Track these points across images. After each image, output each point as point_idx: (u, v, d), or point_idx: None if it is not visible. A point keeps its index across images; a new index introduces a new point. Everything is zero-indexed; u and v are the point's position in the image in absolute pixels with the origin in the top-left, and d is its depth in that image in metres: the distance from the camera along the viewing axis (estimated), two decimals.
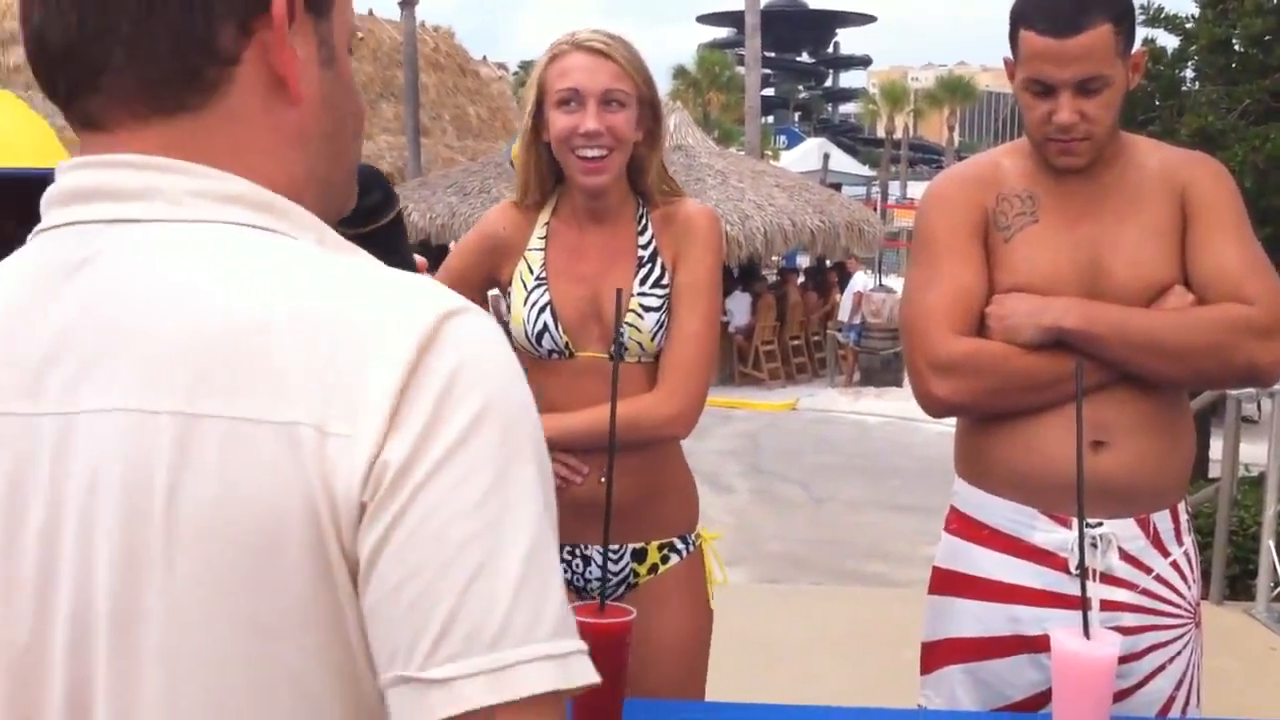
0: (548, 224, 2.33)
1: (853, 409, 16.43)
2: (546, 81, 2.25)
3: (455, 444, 0.79)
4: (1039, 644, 2.05)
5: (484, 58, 37.12)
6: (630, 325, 2.22)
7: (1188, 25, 8.19)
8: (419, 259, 2.40)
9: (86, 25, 0.86)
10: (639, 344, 2.24)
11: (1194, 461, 2.28)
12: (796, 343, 19.16)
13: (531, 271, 2.29)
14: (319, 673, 0.80)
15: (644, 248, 2.28)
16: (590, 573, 2.29)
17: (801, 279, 20.84)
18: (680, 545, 2.35)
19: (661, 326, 2.25)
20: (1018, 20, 2.09)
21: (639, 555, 2.31)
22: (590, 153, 2.20)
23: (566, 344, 2.25)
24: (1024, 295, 2.10)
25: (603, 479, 2.08)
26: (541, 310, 2.25)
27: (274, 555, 0.78)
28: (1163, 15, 8.18)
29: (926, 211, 2.25)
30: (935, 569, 2.28)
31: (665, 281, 2.26)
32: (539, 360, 2.27)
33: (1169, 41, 8.34)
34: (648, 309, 2.24)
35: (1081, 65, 2.02)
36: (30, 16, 0.89)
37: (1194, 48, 8.13)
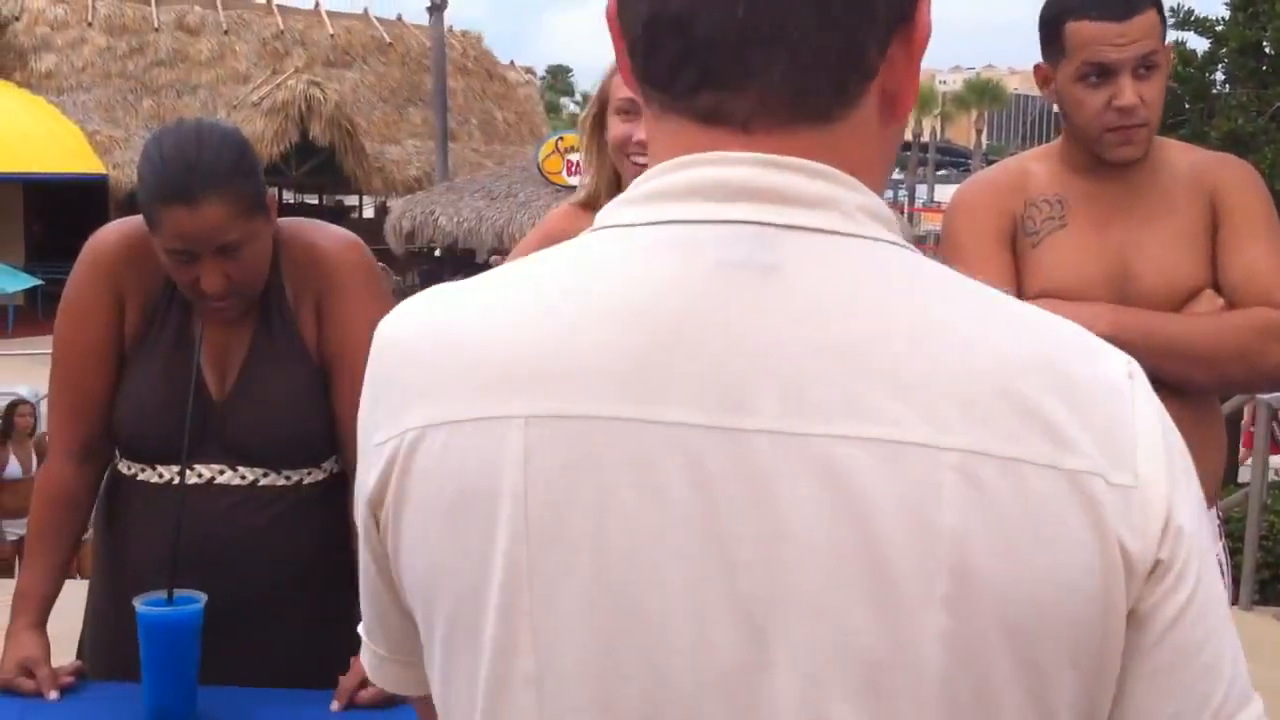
0: None
1: None
2: (610, 90, 2.31)
3: (1198, 503, 0.81)
4: None
5: (511, 62, 37.18)
6: None
7: (1218, 28, 8.16)
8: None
9: (755, 24, 0.78)
10: None
11: (1225, 466, 2.27)
12: None
13: None
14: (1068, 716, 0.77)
15: None
16: None
17: None
18: None
19: None
20: (1063, 15, 2.08)
21: None
22: (643, 160, 2.21)
23: None
24: (1052, 301, 2.09)
25: None
26: None
27: (1058, 606, 0.74)
28: (1193, 18, 8.15)
29: (954, 219, 2.25)
30: None
31: None
32: None
33: (1199, 44, 8.32)
34: None
35: (1141, 44, 2.04)
36: None
37: (1224, 50, 8.10)
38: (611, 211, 0.85)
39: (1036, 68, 2.15)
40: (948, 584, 0.73)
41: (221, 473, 2.00)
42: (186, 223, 1.84)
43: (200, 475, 1.99)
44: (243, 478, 2.01)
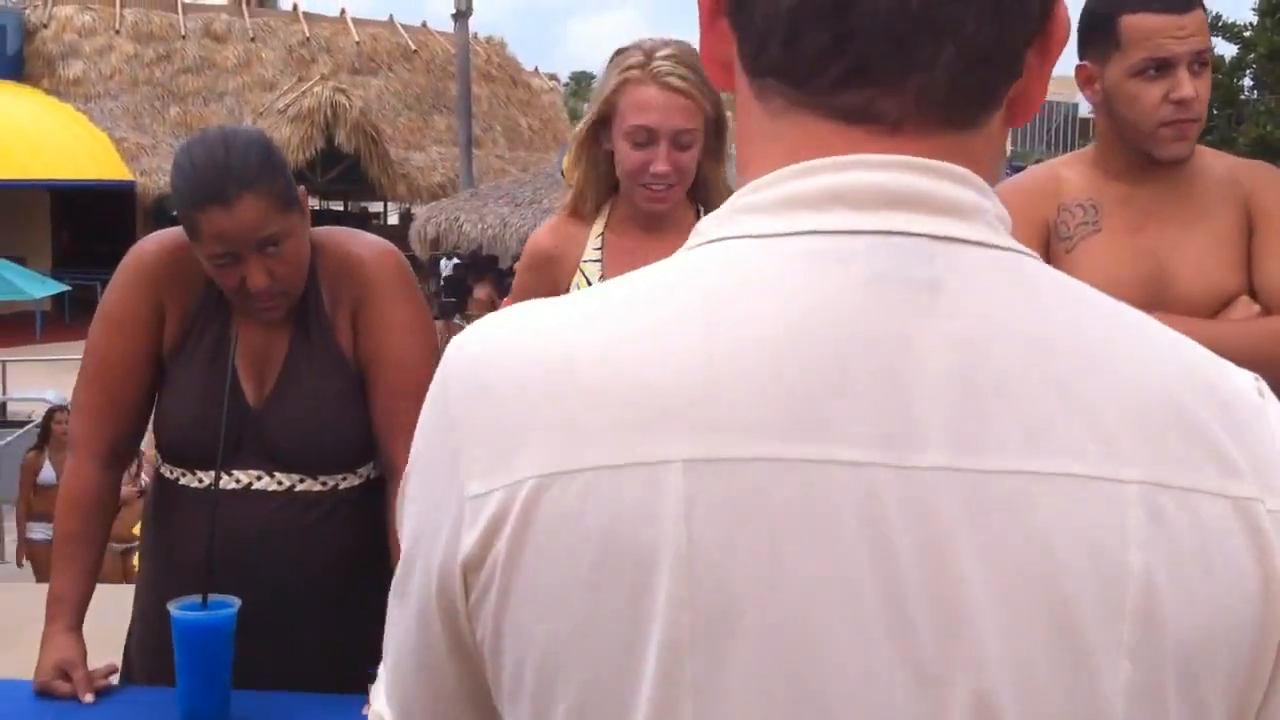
0: (602, 234, 2.32)
1: None
2: (618, 107, 2.22)
3: None
4: None
5: (535, 69, 37.24)
6: None
7: (1246, 33, 8.13)
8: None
9: (929, 12, 0.71)
10: None
11: None
12: None
13: (589, 283, 2.28)
14: None
15: None
16: None
17: None
18: None
19: None
20: (1118, 9, 2.08)
21: None
22: (657, 187, 2.21)
23: None
24: None
25: None
26: None
27: (1221, 640, 0.70)
28: (1221, 23, 8.12)
29: None
30: None
31: None
32: None
33: (1227, 50, 8.29)
34: None
35: (1197, 39, 2.05)
36: None
37: (1252, 56, 8.07)
38: (729, 221, 0.75)
39: (1079, 68, 2.15)
40: (1135, 630, 0.68)
41: (259, 478, 2.03)
42: (225, 222, 1.88)
43: (238, 481, 2.02)
44: (280, 483, 2.03)
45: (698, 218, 2.28)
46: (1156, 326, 0.78)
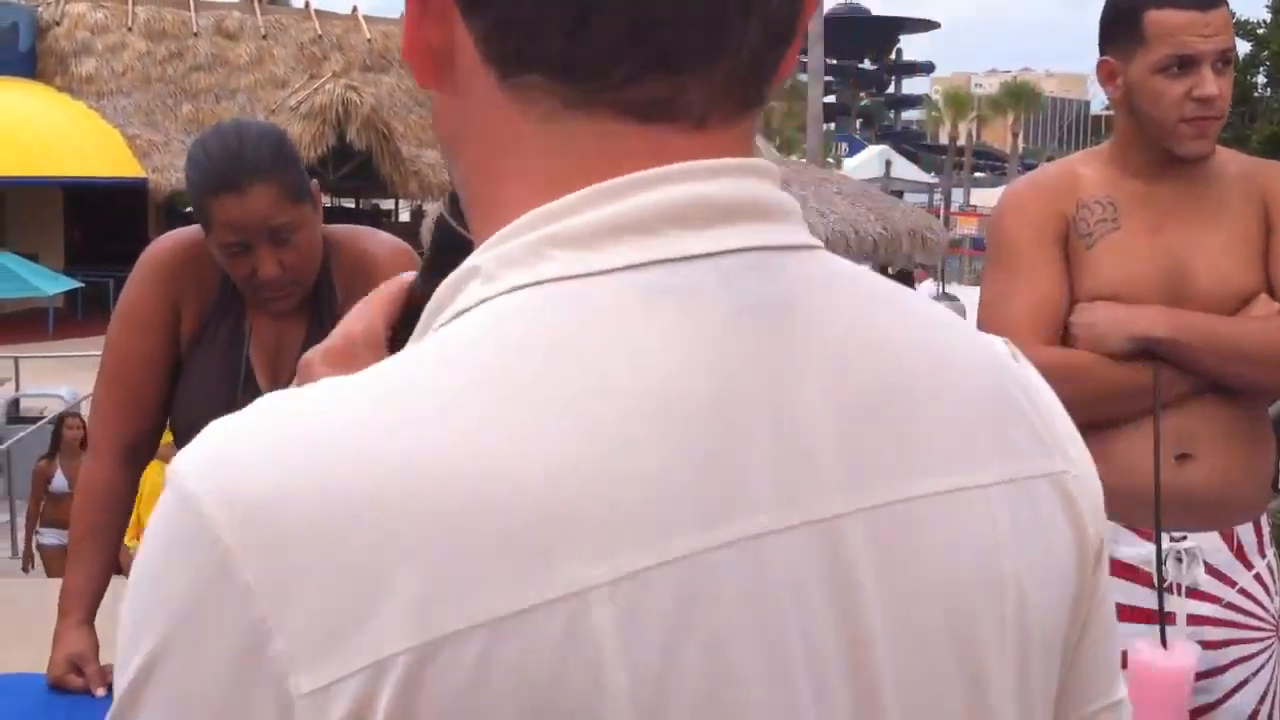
0: None
1: None
2: None
3: None
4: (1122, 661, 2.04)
5: None
6: None
7: (1259, 30, 8.09)
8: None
9: None
10: None
11: (1273, 471, 2.26)
12: None
13: None
14: None
15: None
16: None
17: None
18: None
19: None
20: (1143, 5, 2.07)
21: None
22: None
23: None
24: (1110, 304, 2.08)
25: None
26: None
27: (1061, 617, 0.70)
28: (1234, 21, 8.08)
29: (1004, 218, 2.22)
30: None
31: None
32: None
33: (1240, 47, 8.24)
34: None
35: (1222, 37, 2.04)
36: None
37: (1265, 53, 8.03)
38: (533, 259, 0.61)
39: (1102, 63, 2.14)
40: (1014, 635, 0.66)
41: None
42: (237, 210, 1.90)
43: None
44: None
45: None
46: (951, 314, 0.73)
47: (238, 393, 1.97)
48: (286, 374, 2.06)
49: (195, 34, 28.48)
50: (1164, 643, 1.74)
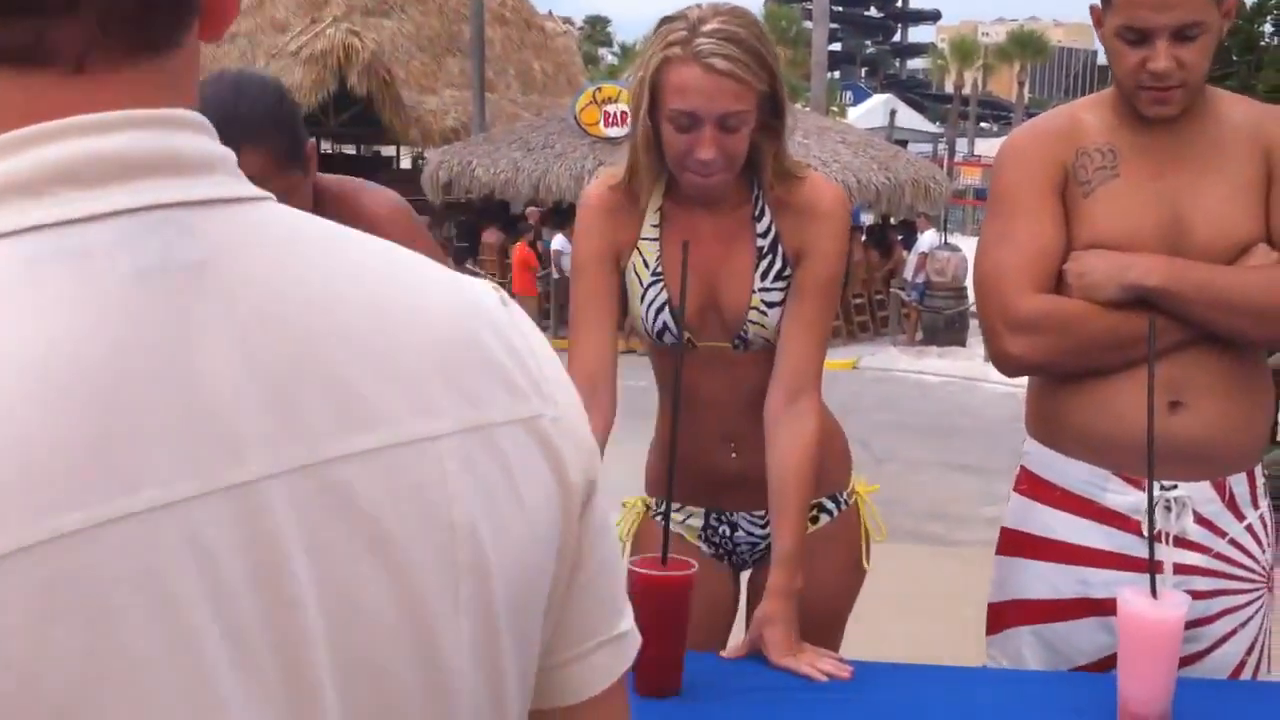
0: (660, 209, 2.18)
1: (915, 368, 16.32)
2: (661, 88, 2.03)
3: None
4: (1108, 607, 2.02)
5: (549, 12, 37.03)
6: (754, 323, 2.14)
7: None
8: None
9: None
10: (763, 338, 2.15)
11: (1272, 423, 2.25)
12: (859, 301, 19.04)
13: (647, 266, 2.16)
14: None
15: (763, 235, 2.14)
16: (738, 538, 2.29)
17: (864, 237, 20.67)
18: (830, 505, 2.27)
19: (784, 314, 2.15)
20: None
21: None
22: (704, 172, 2.06)
23: (688, 339, 2.14)
24: (1104, 252, 2.05)
25: (733, 454, 2.21)
26: (660, 310, 2.15)
27: (539, 566, 0.72)
28: None
29: (1004, 165, 2.20)
30: (1004, 530, 2.26)
31: (787, 274, 2.14)
32: (661, 348, 2.20)
33: None
34: (770, 305, 2.13)
35: (1180, 10, 1.97)
36: None
37: (1273, 2, 7.96)
38: None
39: (1092, 8, 2.11)
40: (469, 585, 0.66)
41: None
42: None
43: None
44: None
45: (752, 190, 2.17)
46: (424, 260, 0.73)
47: None
48: None
49: None
50: (1154, 593, 1.73)
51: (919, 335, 18.42)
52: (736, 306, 2.14)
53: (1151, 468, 1.79)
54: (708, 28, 1.98)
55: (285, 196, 1.92)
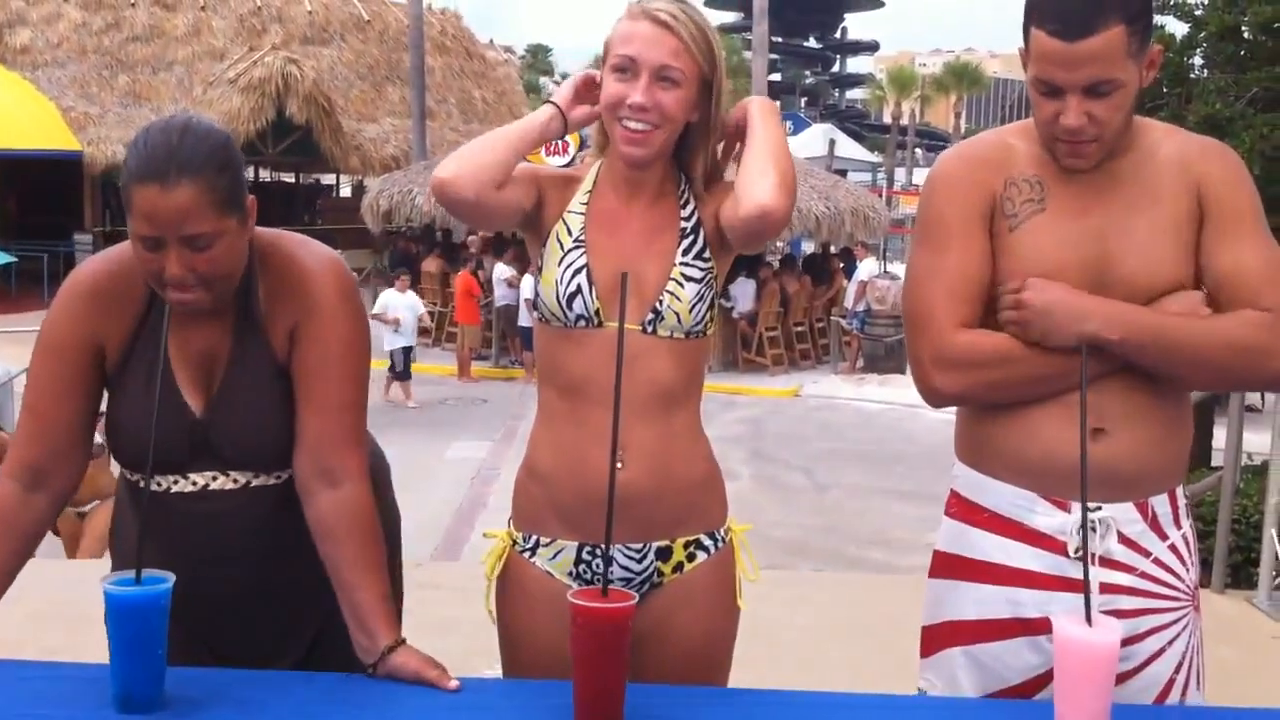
0: (590, 190, 2.24)
1: (856, 395, 16.42)
2: (609, 44, 2.17)
3: None
4: (1038, 626, 2.07)
5: (490, 41, 37.03)
6: (670, 294, 2.15)
7: (1197, 12, 8.17)
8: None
9: None
10: (676, 315, 2.15)
11: (1193, 447, 2.28)
12: (800, 329, 19.15)
13: (570, 234, 2.20)
14: None
15: (686, 219, 2.20)
16: (613, 572, 2.17)
17: (799, 267, 20.80)
18: (708, 541, 2.24)
19: (701, 299, 2.17)
20: (1029, 15, 2.03)
21: (664, 554, 2.20)
22: (634, 125, 2.12)
23: (597, 310, 2.14)
24: (1064, 292, 2.06)
25: (620, 464, 2.08)
26: (577, 273, 2.16)
27: None
28: (1172, 2, 8.15)
29: (934, 191, 2.21)
30: (936, 552, 2.28)
31: (707, 255, 2.19)
32: (565, 330, 2.17)
33: (1178, 28, 8.32)
34: (689, 279, 2.16)
35: (1090, 69, 1.97)
36: None
37: (1203, 34, 8.12)
38: None
39: (1020, 50, 2.12)
40: None
41: (215, 479, 2.08)
42: (158, 203, 1.88)
43: (194, 483, 2.08)
44: (235, 481, 2.09)
45: (678, 186, 2.22)
46: None
47: (155, 406, 1.93)
48: (217, 383, 2.06)
49: (132, 4, 28.03)
50: (1089, 619, 1.75)
51: (860, 363, 18.55)
52: (655, 278, 2.15)
53: (1085, 495, 1.81)
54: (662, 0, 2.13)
55: (216, 239, 1.93)
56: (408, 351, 15.29)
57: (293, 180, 32.65)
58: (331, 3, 30.39)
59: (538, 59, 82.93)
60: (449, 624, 3.76)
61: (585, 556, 2.19)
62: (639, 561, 2.19)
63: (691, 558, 2.22)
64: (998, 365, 2.08)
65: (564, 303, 2.15)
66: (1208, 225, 2.10)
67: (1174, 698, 2.15)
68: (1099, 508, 2.09)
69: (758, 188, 2.08)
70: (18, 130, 23.80)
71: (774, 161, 2.11)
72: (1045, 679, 2.04)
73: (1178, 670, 2.15)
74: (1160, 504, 2.16)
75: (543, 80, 74.09)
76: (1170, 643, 2.15)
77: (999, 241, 2.13)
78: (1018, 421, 2.13)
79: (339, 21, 30.24)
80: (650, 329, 2.14)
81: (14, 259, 20.39)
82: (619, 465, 2.06)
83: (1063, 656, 1.74)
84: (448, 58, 32.24)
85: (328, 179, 34.92)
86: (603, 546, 2.10)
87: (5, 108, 23.97)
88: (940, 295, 2.12)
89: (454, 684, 1.88)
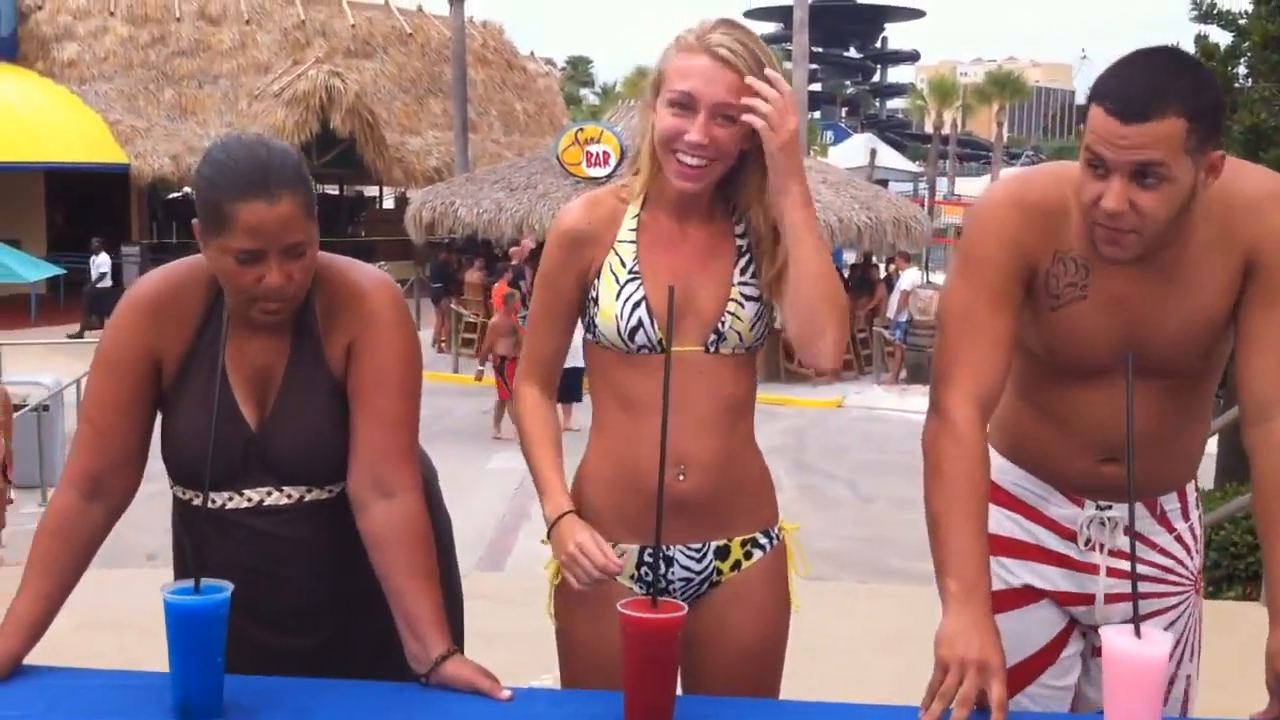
0: (638, 216, 2.22)
1: (899, 406, 16.35)
2: (665, 75, 2.13)
3: None
4: (1055, 598, 2.29)
5: (531, 53, 37.16)
6: (731, 315, 2.16)
7: (1241, 21, 8.11)
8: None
9: None
10: (738, 334, 2.17)
11: (1229, 462, 2.34)
12: None
13: (624, 265, 2.19)
14: None
15: (741, 238, 2.21)
16: (674, 573, 2.22)
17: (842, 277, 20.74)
18: (764, 540, 2.28)
19: (760, 317, 2.18)
20: (1094, 92, 1.97)
21: (722, 552, 2.24)
22: (691, 161, 2.10)
23: (660, 340, 2.15)
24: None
25: (681, 476, 2.15)
26: (635, 306, 2.16)
27: None
28: (1215, 11, 8.10)
29: (984, 232, 2.14)
30: None
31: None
32: (627, 355, 2.18)
33: (1222, 38, 8.26)
34: (748, 298, 2.17)
35: (1139, 153, 1.89)
36: None
37: (1247, 44, 8.05)
38: None
39: (1079, 128, 2.07)
40: None
41: (269, 494, 2.11)
42: (266, 216, 1.93)
43: (249, 499, 2.11)
44: (289, 496, 2.12)
45: (726, 219, 2.22)
46: None
47: (213, 420, 1.98)
48: (273, 398, 2.09)
49: (178, 19, 28.33)
50: (1137, 631, 1.76)
51: (903, 374, 18.47)
52: (715, 300, 2.17)
53: (1132, 519, 1.86)
54: (721, 29, 2.11)
55: (309, 246, 1.97)
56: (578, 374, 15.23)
57: (336, 192, 32.87)
58: (374, 16, 30.62)
59: (578, 70, 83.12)
60: (493, 635, 3.78)
61: (647, 559, 2.22)
62: (699, 561, 2.23)
63: (749, 555, 2.26)
64: (930, 476, 2.07)
65: (626, 336, 2.16)
66: (1252, 284, 2.06)
67: (1169, 668, 2.18)
68: (1109, 506, 2.23)
69: (817, 349, 2.14)
70: (65, 144, 24.10)
71: (831, 308, 2.13)
72: (1066, 636, 2.30)
73: (1175, 645, 2.22)
74: (1169, 501, 2.28)
75: (583, 92, 74.28)
76: (1169, 625, 2.27)
77: (1039, 315, 2.13)
78: (1032, 442, 2.28)
79: (381, 35, 30.46)
80: (713, 349, 2.16)
81: (62, 271, 20.65)
82: (680, 477, 2.15)
83: (1112, 668, 1.76)
84: (489, 70, 32.40)
85: (370, 191, 35.16)
86: (664, 548, 2.15)
87: (54, 123, 24.28)
88: (963, 360, 2.11)
89: (506, 694, 1.91)
